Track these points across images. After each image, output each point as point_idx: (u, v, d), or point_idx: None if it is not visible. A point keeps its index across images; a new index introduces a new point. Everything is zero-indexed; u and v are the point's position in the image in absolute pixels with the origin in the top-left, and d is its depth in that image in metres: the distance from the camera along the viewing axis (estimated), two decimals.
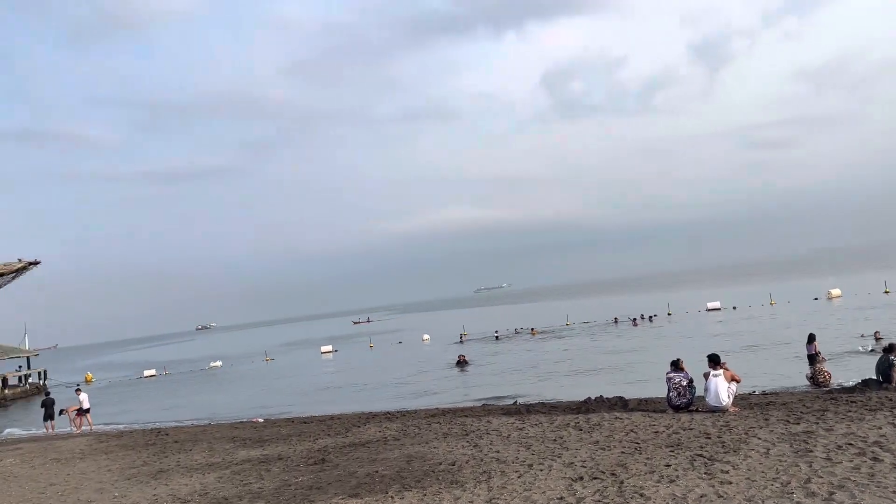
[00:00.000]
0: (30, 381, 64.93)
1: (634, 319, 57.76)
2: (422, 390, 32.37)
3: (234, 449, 16.19)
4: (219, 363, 71.57)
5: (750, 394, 18.57)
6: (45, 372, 68.87)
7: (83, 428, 29.20)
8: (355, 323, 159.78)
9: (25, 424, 38.11)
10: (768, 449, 10.41)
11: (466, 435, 14.01)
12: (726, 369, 15.13)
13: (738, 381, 15.25)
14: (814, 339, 25.74)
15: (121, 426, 28.10)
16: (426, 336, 71.24)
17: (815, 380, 20.31)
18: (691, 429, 12.73)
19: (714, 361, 15.20)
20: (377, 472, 11.27)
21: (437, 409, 22.27)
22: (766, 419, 13.10)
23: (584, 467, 10.18)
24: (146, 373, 69.26)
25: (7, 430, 32.97)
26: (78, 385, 37.30)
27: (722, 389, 14.73)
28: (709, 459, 10.03)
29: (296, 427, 19.62)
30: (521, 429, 14.27)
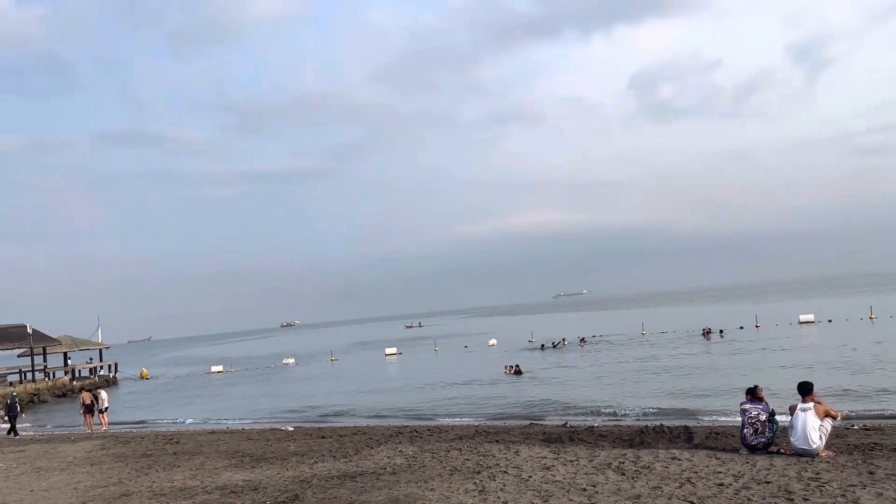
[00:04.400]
0: (100, 373, 65.99)
1: (708, 331, 53.35)
2: (470, 402, 29.81)
3: (223, 469, 14.06)
4: (292, 360, 71.37)
5: (848, 429, 15.06)
6: (115, 364, 70.01)
7: (94, 427, 28.28)
8: (408, 327, 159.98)
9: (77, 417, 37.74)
10: None
11: (478, 473, 11.31)
12: (818, 402, 11.86)
13: (833, 418, 11.96)
14: None
15: (139, 429, 26.75)
16: (493, 341, 68.59)
17: None
18: (768, 482, 9.64)
19: (805, 391, 11.98)
20: None
21: (475, 427, 19.69)
22: (872, 473, 9.86)
23: None
24: (213, 369, 69.48)
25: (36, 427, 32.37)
26: (98, 386, 36.69)
27: (812, 428, 11.47)
28: None
29: (308, 443, 17.41)
30: (549, 467, 11.47)
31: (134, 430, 26.41)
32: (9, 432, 28.08)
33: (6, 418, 30.01)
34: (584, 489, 9.76)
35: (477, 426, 20.29)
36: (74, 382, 58.62)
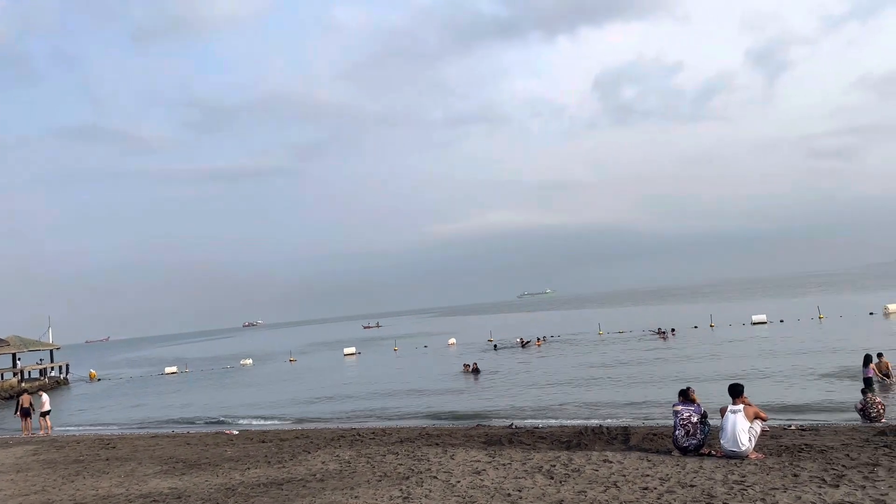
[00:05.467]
0: (50, 374, 64.33)
1: (661, 331, 54.09)
2: (423, 402, 29.65)
3: (152, 476, 13.67)
4: (250, 361, 70.36)
5: (785, 428, 15.21)
6: (67, 366, 68.28)
7: (33, 431, 27.58)
8: (366, 328, 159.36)
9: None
10: None
11: (407, 478, 11.15)
12: (748, 404, 11.95)
13: (763, 420, 12.06)
14: (870, 362, 22.23)
15: (79, 433, 26.05)
16: (452, 340, 68.53)
17: (867, 412, 16.85)
18: (692, 486, 9.65)
19: (735, 393, 12.06)
20: None
21: (420, 429, 19.48)
22: (796, 475, 9.93)
23: None
24: (167, 370, 68.28)
25: None
26: (40, 388, 35.68)
27: (742, 430, 11.54)
28: None
29: (247, 448, 17.05)
30: (480, 471, 11.36)
31: (76, 434, 25.68)
32: None
33: None
34: (510, 494, 9.66)
35: (422, 428, 20.10)
36: (23, 384, 57.01)
